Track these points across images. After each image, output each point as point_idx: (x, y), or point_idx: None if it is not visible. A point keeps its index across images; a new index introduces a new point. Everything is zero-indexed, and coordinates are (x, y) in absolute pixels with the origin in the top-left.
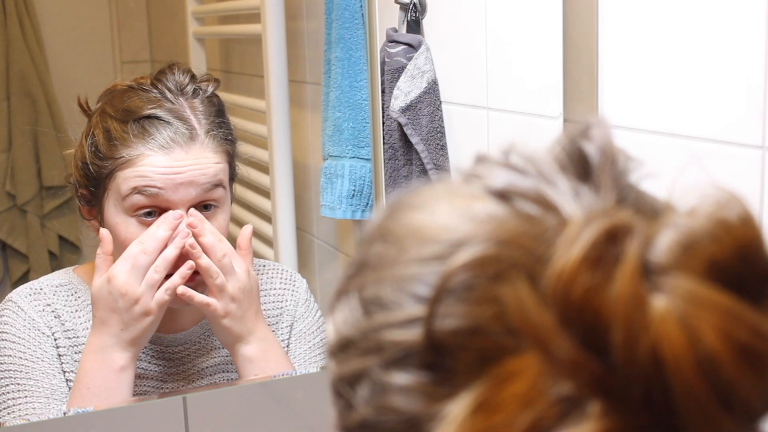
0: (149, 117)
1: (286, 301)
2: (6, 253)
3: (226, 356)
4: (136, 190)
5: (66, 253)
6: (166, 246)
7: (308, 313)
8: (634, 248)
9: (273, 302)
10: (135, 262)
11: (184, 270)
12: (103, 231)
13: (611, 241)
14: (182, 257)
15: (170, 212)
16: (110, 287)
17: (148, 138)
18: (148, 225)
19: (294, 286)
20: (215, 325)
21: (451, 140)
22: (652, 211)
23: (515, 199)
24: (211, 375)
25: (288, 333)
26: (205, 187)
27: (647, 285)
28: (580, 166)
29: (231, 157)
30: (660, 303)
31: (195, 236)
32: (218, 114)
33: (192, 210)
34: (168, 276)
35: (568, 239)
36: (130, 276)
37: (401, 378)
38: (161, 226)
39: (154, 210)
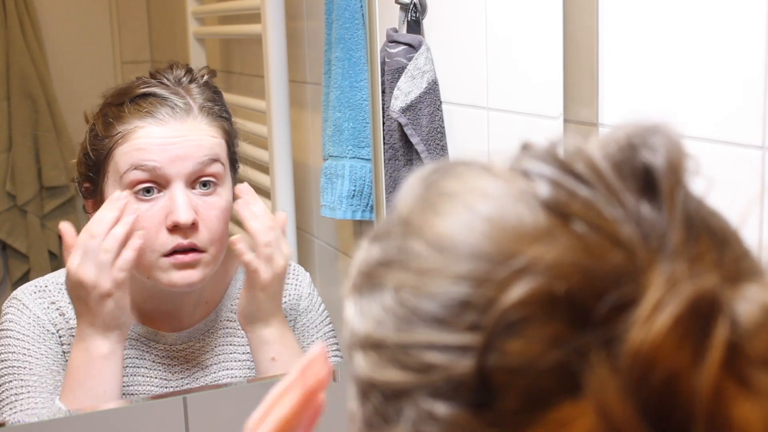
0: (145, 95)
1: (290, 295)
2: (6, 253)
3: (229, 354)
4: (133, 166)
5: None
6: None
7: (312, 307)
8: (722, 331)
9: None
10: (85, 248)
11: (135, 241)
12: (62, 225)
13: (696, 315)
14: (174, 231)
15: (115, 194)
16: (69, 279)
17: (143, 112)
18: (146, 202)
19: (297, 280)
20: (250, 295)
21: (451, 140)
22: (721, 243)
23: (573, 220)
24: (214, 373)
25: (291, 326)
26: (202, 160)
27: (733, 376)
28: (643, 180)
29: (228, 136)
30: (747, 405)
31: (244, 206)
32: (213, 95)
33: (243, 185)
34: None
35: (649, 308)
36: (82, 263)
37: (448, 410)
38: (106, 208)
39: (153, 187)
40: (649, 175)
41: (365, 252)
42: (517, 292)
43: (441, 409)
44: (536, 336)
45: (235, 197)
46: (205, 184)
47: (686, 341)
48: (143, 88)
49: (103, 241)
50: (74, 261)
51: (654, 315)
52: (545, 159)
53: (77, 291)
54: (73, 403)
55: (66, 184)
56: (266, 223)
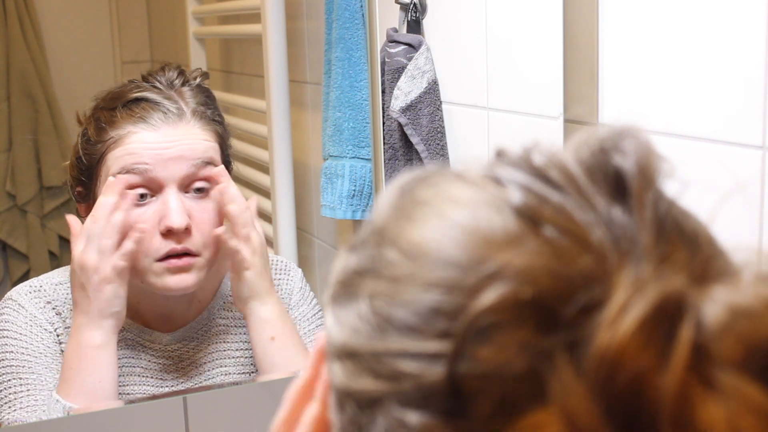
0: (137, 99)
1: (281, 290)
2: (6, 253)
3: (223, 351)
4: (125, 170)
5: (66, 253)
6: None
7: (303, 301)
8: (687, 332)
9: None
10: (89, 234)
11: (136, 233)
12: (69, 217)
13: (662, 317)
14: (167, 236)
15: (110, 179)
16: (73, 264)
17: (136, 117)
18: (139, 206)
19: (288, 275)
20: (238, 277)
21: (451, 140)
22: (692, 245)
23: (544, 225)
24: (209, 371)
25: None
26: (195, 163)
27: (698, 378)
28: (614, 184)
29: (222, 139)
30: (712, 407)
31: (223, 191)
32: (206, 99)
33: (218, 168)
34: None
35: (615, 310)
36: (86, 248)
37: (419, 419)
38: (106, 192)
39: (146, 192)
40: (620, 179)
41: (343, 261)
42: (487, 298)
43: (412, 417)
44: (506, 342)
45: (210, 180)
46: (198, 188)
47: (652, 343)
48: (135, 92)
49: (104, 227)
50: (79, 246)
51: (620, 317)
52: (518, 165)
53: (80, 276)
54: (69, 395)
55: (66, 184)
56: (241, 205)
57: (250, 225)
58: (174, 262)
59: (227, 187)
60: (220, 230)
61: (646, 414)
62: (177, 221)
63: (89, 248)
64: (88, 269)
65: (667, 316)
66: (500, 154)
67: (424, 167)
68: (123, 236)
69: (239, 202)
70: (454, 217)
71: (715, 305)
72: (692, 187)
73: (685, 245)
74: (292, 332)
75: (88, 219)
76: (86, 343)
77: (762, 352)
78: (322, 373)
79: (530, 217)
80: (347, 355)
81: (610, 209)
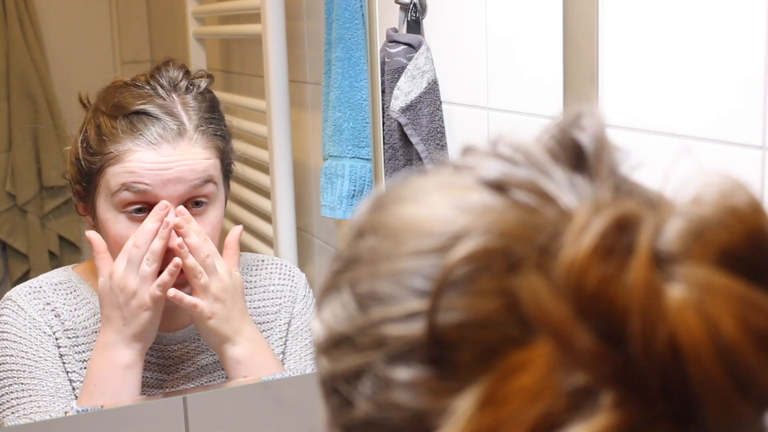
0: (138, 113)
1: (285, 297)
2: (6, 253)
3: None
4: (125, 187)
5: (66, 253)
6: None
7: (306, 310)
8: (645, 237)
9: (271, 298)
10: (130, 257)
11: (172, 267)
12: (90, 234)
13: (621, 230)
14: (170, 252)
15: (158, 204)
16: (111, 283)
17: (137, 133)
18: (138, 221)
19: (293, 281)
20: (201, 327)
21: (451, 140)
22: (650, 201)
23: (511, 190)
24: (210, 372)
25: (286, 329)
26: (194, 183)
27: (661, 274)
28: (574, 156)
29: (222, 153)
30: (676, 292)
31: (181, 236)
32: (210, 109)
33: (180, 208)
34: (161, 271)
35: (577, 229)
36: (127, 271)
37: (405, 373)
38: (150, 218)
39: (144, 206)
40: (578, 151)
41: (326, 272)
42: (458, 252)
43: (399, 373)
44: (480, 289)
45: (208, 196)
46: (197, 203)
47: (613, 251)
48: (138, 103)
49: (145, 253)
50: (120, 267)
51: (581, 233)
52: (483, 154)
53: (116, 297)
54: None
55: (65, 183)
56: (201, 254)
57: (209, 270)
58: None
59: (187, 235)
60: (171, 293)
61: (617, 311)
62: (173, 241)
63: (130, 271)
64: (128, 292)
65: (626, 229)
66: (466, 150)
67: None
68: (160, 263)
69: (198, 251)
70: (428, 199)
71: (675, 218)
72: (692, 186)
73: (641, 198)
74: (267, 367)
75: (130, 241)
76: (117, 362)
77: (726, 252)
78: None
79: (498, 186)
80: (333, 344)
81: (571, 178)
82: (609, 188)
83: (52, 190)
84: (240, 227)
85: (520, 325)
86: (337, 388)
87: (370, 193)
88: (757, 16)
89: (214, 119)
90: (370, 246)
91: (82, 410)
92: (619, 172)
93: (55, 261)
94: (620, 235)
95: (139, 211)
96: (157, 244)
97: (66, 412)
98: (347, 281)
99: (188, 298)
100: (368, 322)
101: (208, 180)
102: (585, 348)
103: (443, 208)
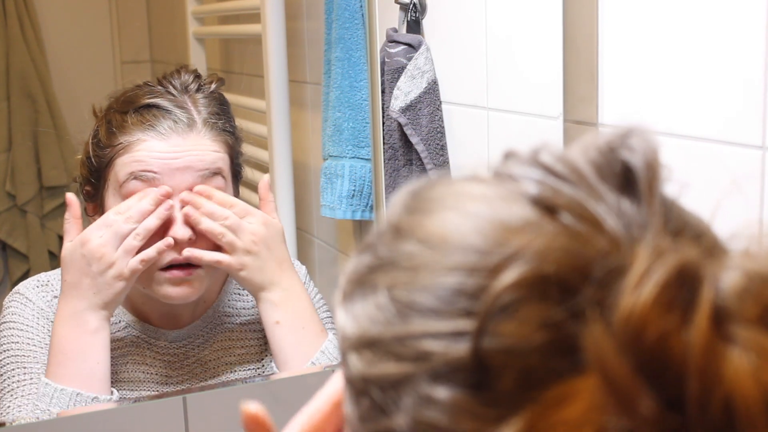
0: (149, 106)
1: None
2: (6, 253)
3: (228, 349)
4: (133, 176)
5: None
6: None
7: None
8: (707, 294)
9: None
10: (116, 229)
11: (161, 245)
12: (69, 195)
13: (682, 281)
14: (164, 232)
15: (160, 187)
16: (84, 250)
17: (146, 124)
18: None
19: None
20: (235, 279)
21: (451, 140)
22: (705, 242)
23: (559, 212)
24: (214, 369)
25: None
26: (203, 173)
27: (720, 335)
28: (623, 178)
29: (232, 150)
30: (734, 356)
31: (196, 208)
32: (219, 107)
33: (199, 186)
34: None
35: (637, 276)
36: (107, 241)
37: (447, 393)
38: (145, 198)
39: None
40: (628, 174)
41: (355, 261)
42: (508, 276)
43: (441, 392)
44: (528, 317)
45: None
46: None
47: (674, 304)
48: (148, 98)
49: (136, 228)
50: (97, 236)
51: (642, 282)
52: (529, 163)
53: (89, 265)
54: (61, 379)
55: (66, 184)
56: (219, 216)
57: (234, 228)
58: (176, 273)
59: (199, 205)
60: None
61: (675, 369)
62: (180, 233)
63: (111, 242)
64: (105, 262)
65: (687, 280)
66: (508, 155)
67: (431, 176)
68: (146, 243)
69: (215, 214)
70: (471, 208)
71: (731, 271)
72: (692, 187)
73: (691, 233)
74: (301, 316)
75: (114, 213)
76: (84, 328)
77: None
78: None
79: (546, 205)
80: (365, 344)
81: (619, 201)
82: (659, 219)
83: (52, 190)
84: (266, 176)
85: (567, 357)
86: (368, 392)
87: (406, 188)
88: (757, 17)
89: (223, 116)
90: (410, 252)
91: (83, 411)
92: (667, 199)
93: (55, 261)
94: (681, 287)
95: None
96: (152, 222)
97: (67, 405)
98: (384, 283)
99: (209, 255)
100: (409, 332)
101: (217, 172)
102: (642, 407)
103: (487, 222)
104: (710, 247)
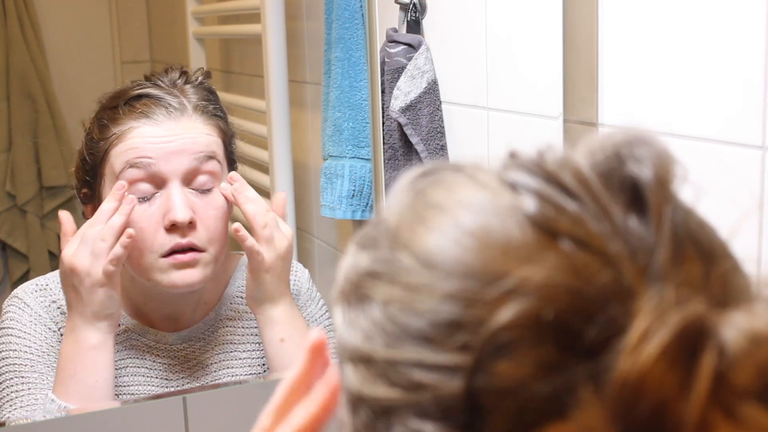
0: (139, 96)
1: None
2: (6, 253)
3: (229, 353)
4: (129, 164)
5: None
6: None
7: (310, 302)
8: (709, 360)
9: None
10: (83, 236)
11: (124, 239)
12: (62, 213)
13: (684, 345)
14: (172, 231)
15: (116, 184)
16: (63, 268)
17: (138, 113)
18: (144, 203)
19: (296, 275)
20: (256, 278)
21: (451, 140)
22: (709, 256)
23: (560, 237)
24: (215, 372)
25: None
26: (198, 157)
27: (721, 408)
28: (630, 193)
29: (224, 134)
30: None
31: (238, 191)
32: (208, 95)
33: (233, 174)
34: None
35: (637, 337)
36: (77, 251)
37: (436, 431)
38: (108, 199)
39: (147, 195)
40: (636, 189)
41: (353, 258)
42: (507, 314)
43: (428, 429)
44: (525, 358)
45: (213, 175)
46: (204, 191)
47: (673, 371)
48: (137, 89)
49: (101, 230)
50: (70, 249)
51: (641, 344)
52: (532, 170)
53: (70, 279)
54: (65, 396)
55: (66, 184)
56: (262, 206)
57: (272, 226)
58: (179, 257)
59: (241, 187)
60: (237, 225)
61: None
62: (181, 215)
63: (81, 251)
64: (79, 272)
65: (688, 343)
66: (513, 156)
67: (434, 162)
68: (116, 240)
69: (258, 203)
70: (470, 225)
71: (734, 331)
72: (692, 187)
73: (701, 259)
74: (303, 333)
75: (87, 222)
76: (83, 344)
77: None
78: (316, 371)
79: (546, 228)
80: (360, 359)
81: (626, 219)
82: (668, 245)
83: (52, 190)
84: (284, 193)
85: (560, 400)
86: (362, 410)
87: (409, 178)
88: (757, 17)
89: (212, 102)
90: (406, 266)
91: (82, 411)
92: (679, 213)
93: (55, 261)
94: (682, 351)
95: (142, 200)
96: (116, 220)
97: (66, 412)
98: (381, 297)
99: (252, 240)
100: (401, 358)
101: (212, 156)
102: None
103: (486, 244)
104: (720, 283)
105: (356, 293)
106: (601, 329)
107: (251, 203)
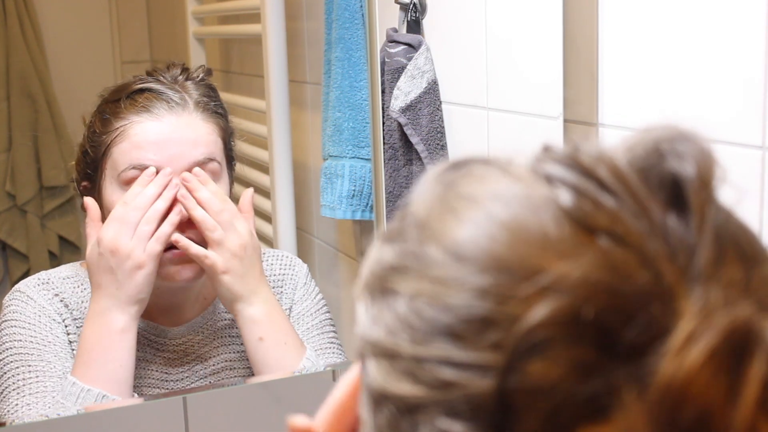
0: (141, 90)
1: (285, 285)
2: (6, 253)
3: (228, 346)
4: (131, 165)
5: (66, 253)
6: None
7: (307, 296)
8: (758, 366)
9: (272, 287)
10: (125, 219)
11: (173, 216)
12: (88, 199)
13: (731, 349)
14: (166, 212)
15: (162, 170)
16: (101, 248)
17: (140, 107)
18: None
19: (293, 270)
20: (215, 282)
21: (451, 140)
22: (751, 258)
23: (598, 233)
24: (213, 366)
25: (287, 315)
26: (198, 158)
27: None
28: (670, 189)
29: (224, 132)
30: None
31: (190, 191)
32: (209, 92)
33: (196, 169)
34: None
35: (682, 339)
36: (119, 233)
37: (465, 431)
38: (150, 183)
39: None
40: (677, 186)
41: (378, 252)
42: (542, 311)
43: (457, 428)
44: (560, 358)
45: (213, 172)
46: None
47: (720, 376)
48: (139, 84)
49: (145, 214)
50: (110, 230)
51: (687, 347)
52: (567, 163)
53: (108, 260)
54: (85, 378)
55: (66, 184)
56: (213, 207)
57: (226, 225)
58: (178, 252)
59: (196, 189)
60: (176, 237)
61: None
62: (175, 196)
63: (124, 233)
64: (120, 254)
65: (736, 348)
66: (547, 149)
67: (463, 155)
68: (159, 224)
69: (209, 203)
70: (504, 217)
71: None
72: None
73: (742, 262)
74: (283, 331)
75: (121, 206)
76: (111, 327)
77: None
78: None
79: (584, 223)
80: (384, 354)
81: (665, 217)
82: (710, 246)
83: (52, 190)
84: (251, 190)
85: (596, 402)
86: (386, 408)
87: (439, 170)
88: (757, 17)
89: (213, 99)
90: (434, 259)
91: (82, 411)
92: (720, 214)
93: (55, 261)
94: (729, 356)
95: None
96: (160, 205)
97: (76, 406)
98: (407, 290)
99: (196, 248)
100: (428, 355)
101: (211, 158)
102: None
103: (520, 238)
104: (764, 286)
105: (381, 287)
106: (641, 330)
107: (198, 209)
